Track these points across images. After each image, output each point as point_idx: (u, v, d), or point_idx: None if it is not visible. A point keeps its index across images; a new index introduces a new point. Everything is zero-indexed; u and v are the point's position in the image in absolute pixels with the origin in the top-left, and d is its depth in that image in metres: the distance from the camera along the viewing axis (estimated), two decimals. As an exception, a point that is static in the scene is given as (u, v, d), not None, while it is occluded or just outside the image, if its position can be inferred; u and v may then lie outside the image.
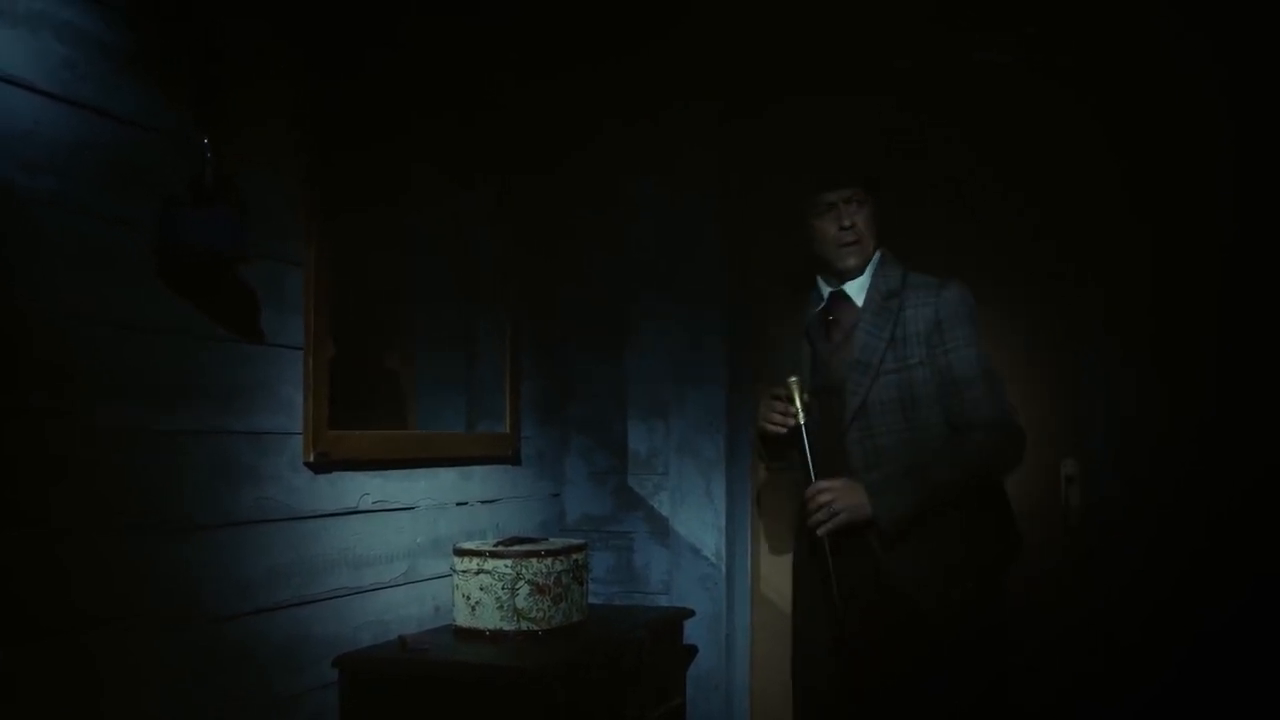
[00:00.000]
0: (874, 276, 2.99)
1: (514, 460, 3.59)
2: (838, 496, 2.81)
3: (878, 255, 3.01)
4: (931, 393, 2.88)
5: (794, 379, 2.93)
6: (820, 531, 2.82)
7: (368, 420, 3.00)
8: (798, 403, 2.91)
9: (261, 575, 2.48)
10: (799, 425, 2.90)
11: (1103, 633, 3.45)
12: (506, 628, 2.86)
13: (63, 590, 2.02)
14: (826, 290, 3.05)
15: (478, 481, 3.39)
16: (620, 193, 3.87)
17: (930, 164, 3.65)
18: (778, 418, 2.94)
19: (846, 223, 2.94)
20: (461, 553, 2.94)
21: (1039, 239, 3.57)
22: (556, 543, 3.06)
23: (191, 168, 2.24)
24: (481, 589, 2.88)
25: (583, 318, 3.91)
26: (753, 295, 3.87)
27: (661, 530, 3.80)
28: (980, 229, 3.59)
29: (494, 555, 2.89)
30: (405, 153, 3.26)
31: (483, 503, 3.42)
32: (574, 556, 3.00)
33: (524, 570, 2.86)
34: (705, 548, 3.74)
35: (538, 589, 2.87)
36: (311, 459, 2.64)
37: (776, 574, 3.81)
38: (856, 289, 2.99)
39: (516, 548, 2.95)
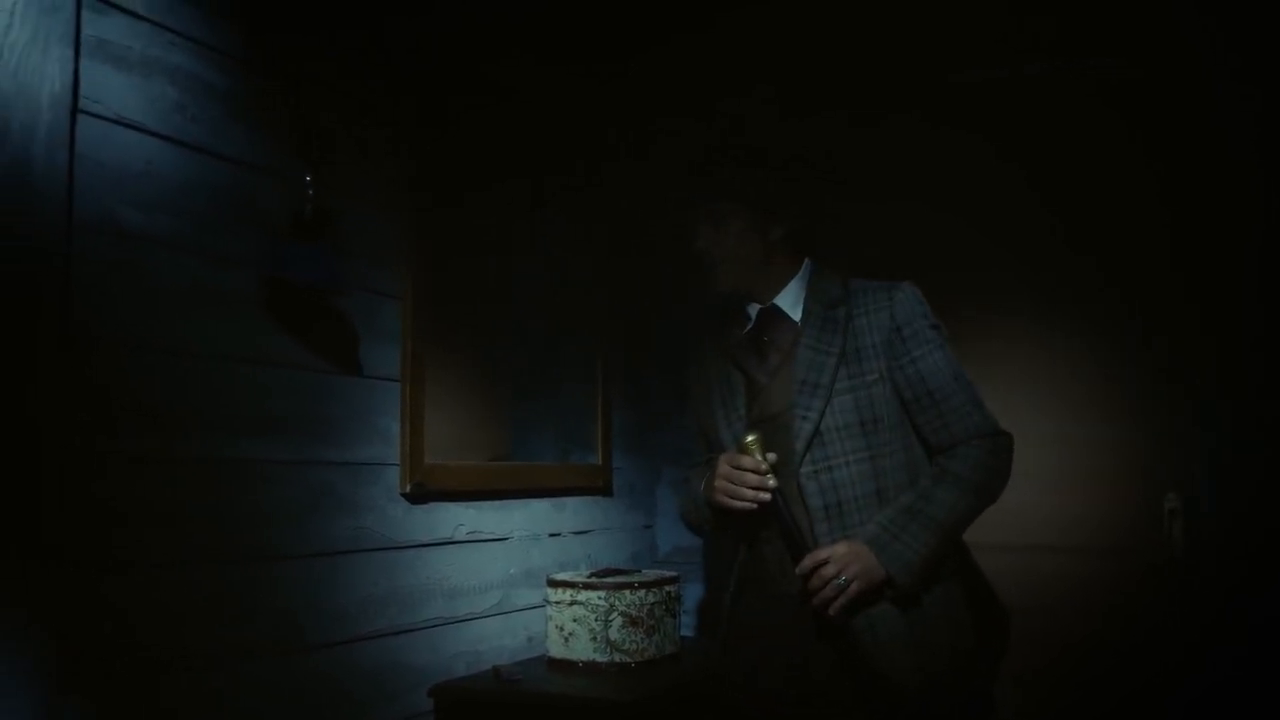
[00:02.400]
0: (809, 287, 2.55)
1: (606, 491, 3.60)
2: (844, 564, 2.32)
3: (806, 264, 2.58)
4: (895, 411, 2.46)
5: (752, 437, 2.41)
6: (833, 610, 2.31)
7: (462, 451, 3.04)
8: (765, 463, 2.38)
9: (357, 605, 2.52)
10: (773, 493, 2.38)
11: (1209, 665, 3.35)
12: (599, 659, 2.86)
13: (162, 625, 2.07)
14: (754, 309, 2.58)
15: (570, 513, 3.41)
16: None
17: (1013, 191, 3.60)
18: (749, 492, 2.39)
19: (700, 242, 2.53)
20: (555, 584, 2.96)
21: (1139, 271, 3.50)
22: (649, 574, 3.06)
23: (294, 205, 2.30)
24: (575, 620, 2.89)
25: (674, 348, 3.91)
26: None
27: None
28: (1086, 260, 3.53)
29: (587, 586, 2.90)
30: (500, 190, 3.31)
31: (575, 534, 3.43)
32: (667, 589, 3.00)
33: (617, 602, 2.87)
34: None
35: (631, 621, 2.88)
36: (408, 489, 2.68)
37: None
38: (790, 302, 2.55)
39: (610, 579, 2.96)
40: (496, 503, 3.05)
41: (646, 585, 2.94)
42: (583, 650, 2.87)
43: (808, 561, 2.34)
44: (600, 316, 3.62)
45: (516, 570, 3.11)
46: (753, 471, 2.38)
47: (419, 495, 2.72)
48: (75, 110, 1.93)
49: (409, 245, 2.73)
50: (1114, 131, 3.40)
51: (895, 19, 3.38)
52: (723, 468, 2.43)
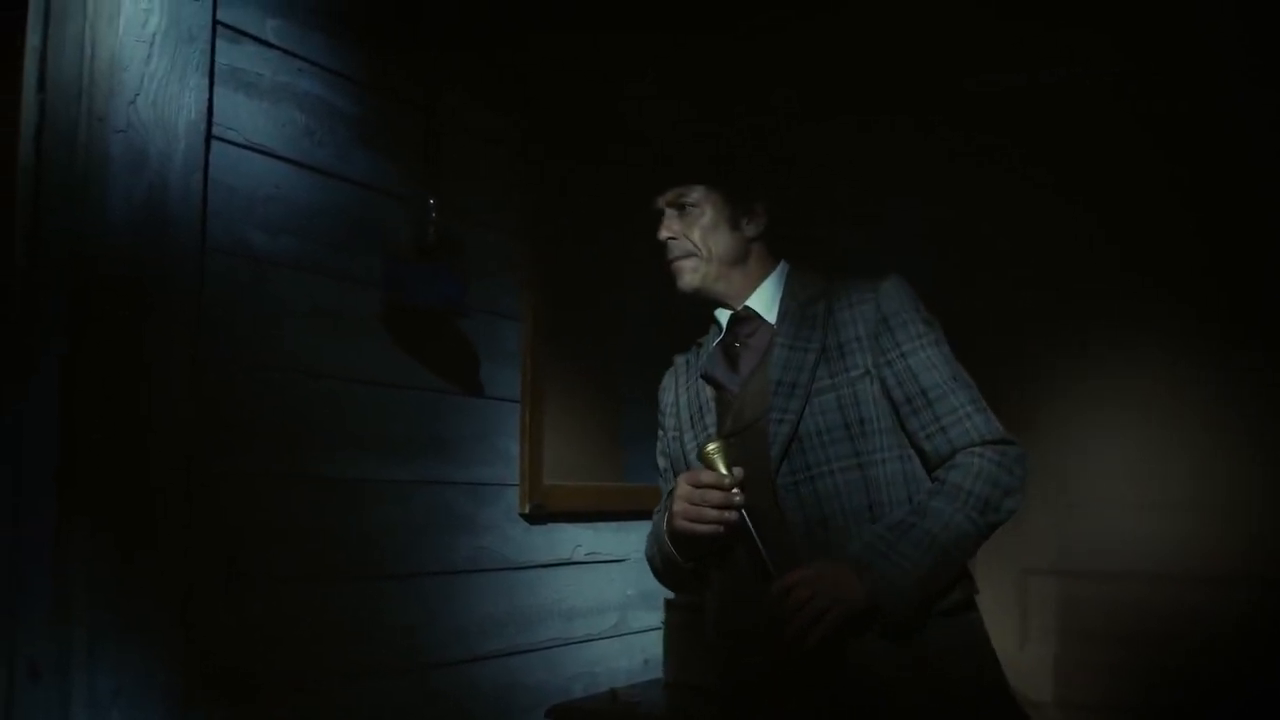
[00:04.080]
0: (785, 286, 2.26)
1: (722, 513, 3.56)
2: (819, 589, 1.91)
3: (782, 266, 2.29)
4: (886, 414, 2.11)
5: (714, 445, 2.04)
6: (810, 641, 1.91)
7: (579, 472, 3.04)
8: (729, 476, 2.00)
9: (476, 624, 2.53)
10: (741, 512, 1.99)
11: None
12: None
13: (285, 641, 2.10)
14: (725, 316, 2.27)
15: (686, 534, 3.38)
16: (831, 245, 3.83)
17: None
18: (713, 514, 2.01)
19: (664, 233, 2.23)
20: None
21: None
22: (767, 598, 3.02)
23: (417, 227, 2.33)
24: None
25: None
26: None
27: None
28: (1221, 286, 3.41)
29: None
30: (616, 214, 3.31)
31: (691, 556, 3.40)
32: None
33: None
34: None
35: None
36: (527, 510, 2.68)
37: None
38: (764, 303, 2.25)
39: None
40: (614, 524, 3.04)
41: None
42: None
43: (778, 585, 1.94)
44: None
45: (634, 592, 3.10)
46: (715, 487, 2.01)
47: (538, 516, 2.73)
48: (209, 137, 1.98)
49: (529, 268, 2.74)
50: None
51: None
52: (680, 488, 2.06)
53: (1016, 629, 3.60)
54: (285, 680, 2.09)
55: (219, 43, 2.01)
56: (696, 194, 2.22)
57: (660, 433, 2.39)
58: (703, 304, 2.28)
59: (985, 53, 3.50)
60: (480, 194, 2.62)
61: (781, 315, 2.21)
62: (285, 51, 2.15)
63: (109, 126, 1.81)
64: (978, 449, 2.05)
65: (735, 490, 2.00)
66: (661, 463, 2.39)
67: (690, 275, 2.22)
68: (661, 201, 2.24)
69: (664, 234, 2.22)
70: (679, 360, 2.41)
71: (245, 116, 2.07)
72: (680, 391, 2.33)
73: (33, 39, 1.88)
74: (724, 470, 2.00)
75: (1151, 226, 3.37)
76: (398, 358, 2.37)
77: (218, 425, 1.99)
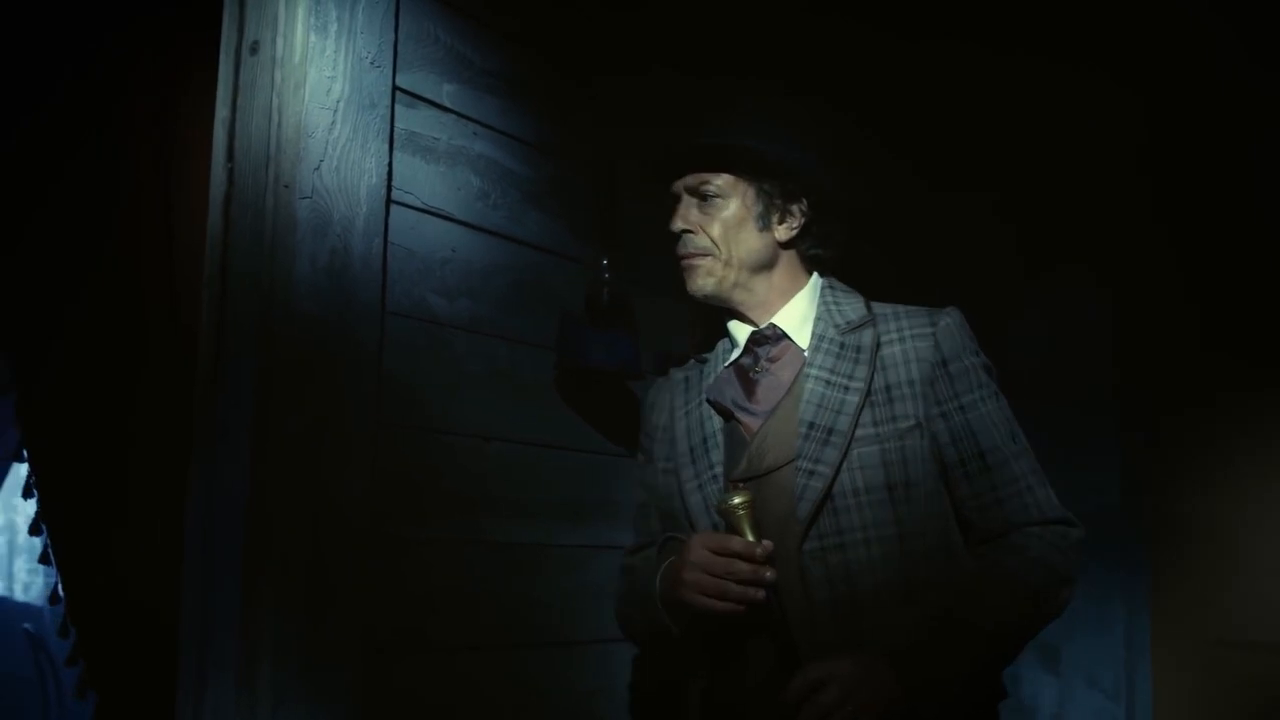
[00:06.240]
0: (821, 305, 1.92)
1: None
2: (851, 688, 1.60)
3: (815, 280, 1.96)
4: (933, 476, 1.79)
5: (741, 498, 1.71)
6: None
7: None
8: (760, 546, 1.67)
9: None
10: (769, 590, 1.68)
11: None
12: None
13: (467, 710, 2.06)
14: (742, 334, 1.95)
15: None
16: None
17: None
18: (737, 590, 1.67)
19: (678, 223, 1.92)
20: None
21: None
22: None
23: (591, 289, 2.30)
24: None
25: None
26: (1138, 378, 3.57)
27: (1051, 658, 3.52)
28: None
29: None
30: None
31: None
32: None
33: None
34: (1101, 679, 3.44)
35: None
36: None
37: (1184, 712, 3.44)
38: (794, 323, 1.91)
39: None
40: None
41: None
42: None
43: (798, 683, 1.61)
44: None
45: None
46: (743, 558, 1.68)
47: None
48: (389, 201, 1.99)
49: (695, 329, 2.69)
50: None
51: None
52: (697, 552, 1.71)
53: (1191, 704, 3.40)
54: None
55: (397, 108, 2.02)
56: (722, 182, 1.89)
57: (640, 457, 2.08)
58: (718, 313, 1.98)
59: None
60: (654, 255, 2.58)
61: (816, 341, 1.87)
62: (460, 115, 2.16)
63: (295, 193, 1.83)
64: (1036, 529, 1.77)
65: (767, 568, 1.67)
66: (640, 495, 2.07)
67: (704, 278, 1.91)
68: (679, 186, 1.93)
69: (678, 224, 1.91)
70: (676, 375, 2.07)
71: (422, 180, 2.07)
72: (677, 415, 1.98)
73: (221, 111, 1.92)
74: (750, 535, 1.68)
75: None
76: (572, 420, 2.33)
77: (398, 490, 1.97)
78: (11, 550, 5.95)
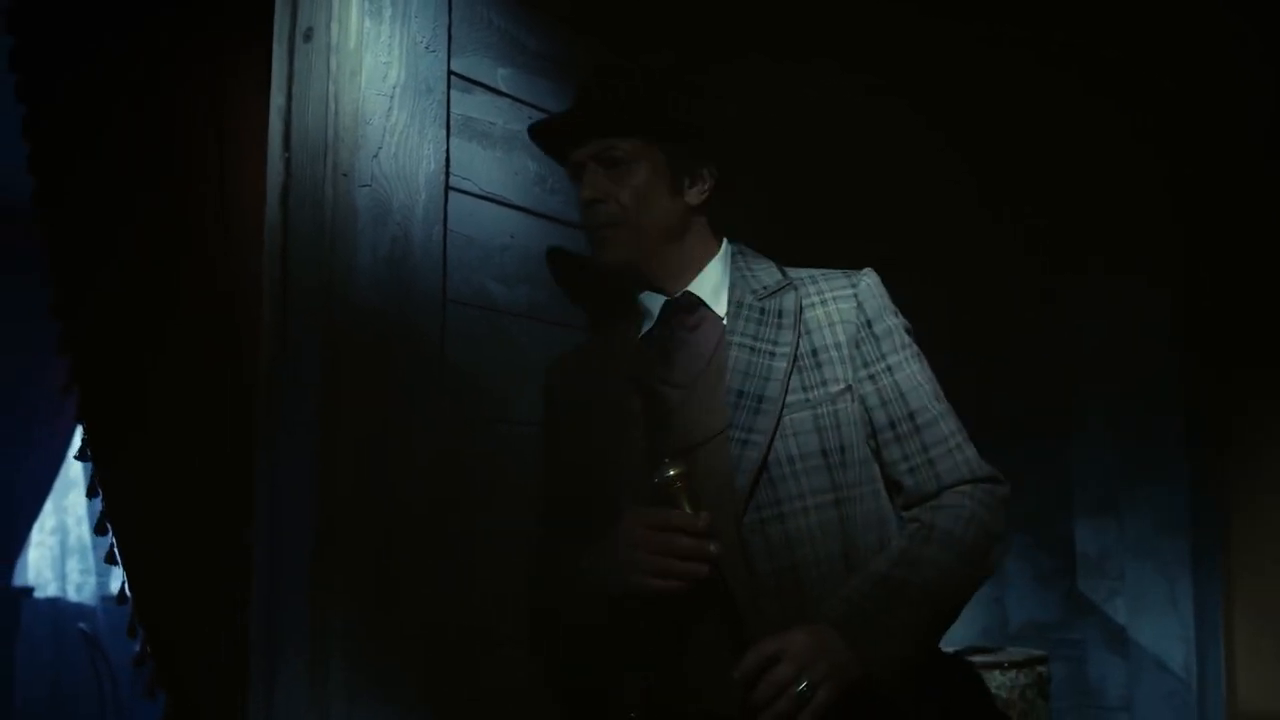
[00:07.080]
0: (734, 271, 1.88)
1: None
2: (805, 661, 1.53)
3: (726, 246, 1.93)
4: (862, 440, 1.77)
5: (677, 470, 1.64)
6: None
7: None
8: (699, 518, 1.61)
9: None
10: (713, 564, 1.62)
11: None
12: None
13: (520, 701, 2.02)
14: (655, 304, 1.89)
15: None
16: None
17: None
18: (679, 566, 1.61)
19: (587, 192, 1.85)
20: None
21: None
22: (1016, 653, 2.86)
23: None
24: None
25: (1020, 407, 3.68)
26: (1209, 376, 3.51)
27: (1118, 640, 3.47)
28: None
29: (951, 666, 2.70)
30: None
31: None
32: (1038, 669, 2.78)
33: (987, 683, 2.66)
34: (1172, 660, 3.37)
35: (1000, 704, 2.66)
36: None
37: (1259, 694, 3.37)
38: (709, 289, 1.87)
39: (975, 658, 2.75)
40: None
41: (1017, 665, 2.73)
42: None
43: (751, 659, 1.54)
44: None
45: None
46: (684, 532, 1.61)
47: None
48: (447, 188, 1.95)
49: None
50: None
51: None
52: (633, 531, 1.64)
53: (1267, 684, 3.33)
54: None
55: (453, 93, 1.99)
56: (630, 146, 1.83)
57: (547, 440, 2.01)
58: (622, 284, 1.92)
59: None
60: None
61: (735, 308, 1.83)
62: (515, 99, 2.12)
63: (354, 181, 1.80)
64: (967, 488, 1.75)
65: (711, 541, 1.61)
66: (550, 480, 1.99)
67: (617, 248, 1.84)
68: (583, 154, 1.86)
69: (587, 193, 1.84)
70: (569, 358, 2.03)
71: (480, 166, 2.04)
72: (587, 390, 1.91)
73: (277, 99, 1.89)
74: (688, 508, 1.61)
75: None
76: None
77: (461, 481, 1.94)
78: (64, 551, 5.99)
